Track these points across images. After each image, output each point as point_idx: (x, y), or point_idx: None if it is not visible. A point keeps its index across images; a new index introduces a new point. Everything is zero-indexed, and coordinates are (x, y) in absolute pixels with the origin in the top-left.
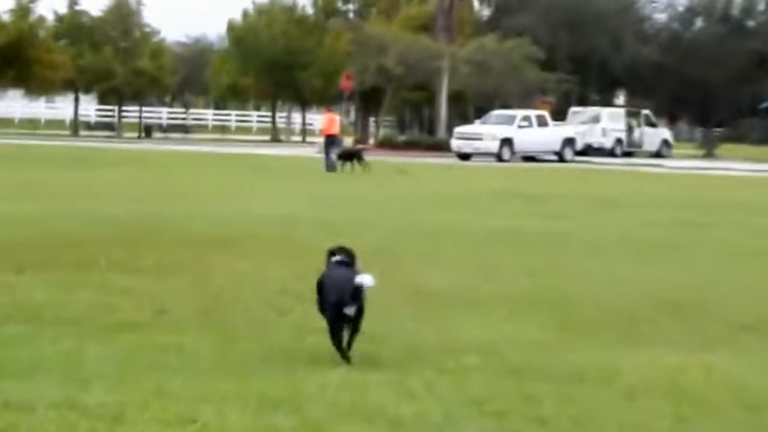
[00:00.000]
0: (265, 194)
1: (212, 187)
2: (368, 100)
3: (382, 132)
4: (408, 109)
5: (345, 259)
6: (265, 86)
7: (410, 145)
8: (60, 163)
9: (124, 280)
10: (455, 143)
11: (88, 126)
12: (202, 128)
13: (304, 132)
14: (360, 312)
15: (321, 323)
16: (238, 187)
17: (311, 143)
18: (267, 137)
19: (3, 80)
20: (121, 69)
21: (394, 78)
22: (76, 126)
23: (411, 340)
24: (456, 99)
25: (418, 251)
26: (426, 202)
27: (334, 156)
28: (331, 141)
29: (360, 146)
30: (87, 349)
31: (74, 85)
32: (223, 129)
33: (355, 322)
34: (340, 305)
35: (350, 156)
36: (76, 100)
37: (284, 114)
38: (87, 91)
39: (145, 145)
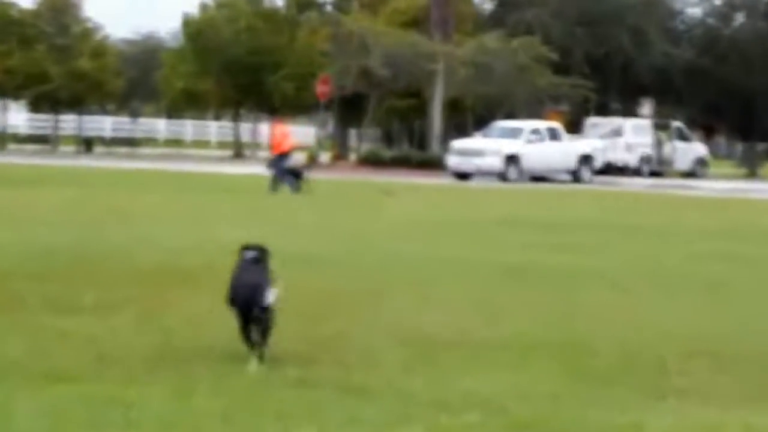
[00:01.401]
0: (226, 220)
1: (164, 211)
2: (349, 109)
3: (364, 146)
4: (395, 119)
5: (257, 256)
6: (227, 92)
7: (398, 162)
8: None
9: (58, 322)
10: (452, 160)
11: (17, 138)
12: (153, 141)
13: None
14: (267, 315)
15: (294, 374)
16: (194, 212)
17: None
18: (229, 152)
19: None
20: (57, 71)
21: (380, 82)
22: (3, 138)
23: (400, 393)
24: (452, 108)
25: (409, 289)
26: (416, 230)
27: (285, 174)
28: (282, 159)
29: (303, 165)
30: (15, 403)
31: (0, 90)
32: (177, 142)
33: (264, 323)
34: (246, 311)
35: (293, 173)
36: (3, 107)
37: (249, 125)
38: (16, 97)
39: (85, 161)
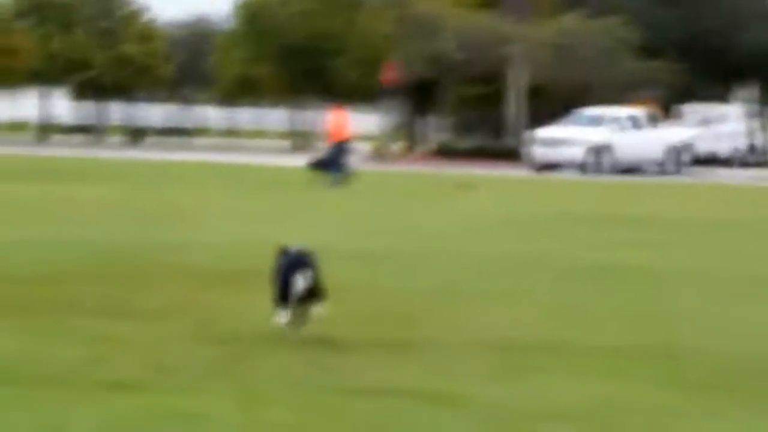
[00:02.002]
0: (289, 218)
1: (220, 207)
2: (419, 97)
3: (436, 136)
4: (470, 107)
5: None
6: (285, 78)
7: (474, 153)
8: (22, 178)
9: (114, 327)
10: (533, 151)
11: (60, 129)
12: (205, 131)
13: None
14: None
15: (372, 382)
16: (252, 208)
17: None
18: (287, 143)
19: None
20: (101, 56)
21: (452, 68)
22: (44, 129)
23: (486, 402)
24: (532, 94)
25: (489, 291)
26: (496, 227)
27: (346, 165)
28: (343, 148)
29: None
30: (73, 414)
31: (41, 77)
32: (231, 132)
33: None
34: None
35: (321, 166)
36: (44, 96)
37: (309, 114)
38: (58, 84)
39: (134, 153)
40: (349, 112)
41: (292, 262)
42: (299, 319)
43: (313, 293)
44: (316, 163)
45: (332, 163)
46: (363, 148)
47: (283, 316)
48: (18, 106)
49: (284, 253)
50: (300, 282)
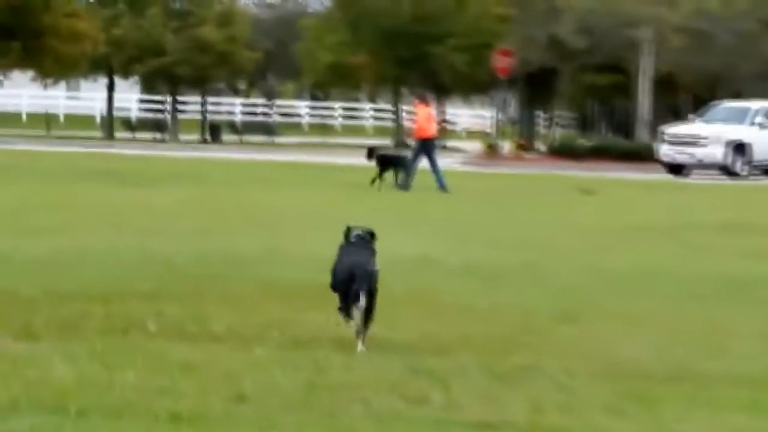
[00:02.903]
0: (387, 225)
1: (307, 214)
2: (535, 88)
3: (556, 133)
4: (593, 100)
5: (364, 235)
6: (385, 67)
7: (597, 153)
8: (85, 179)
9: (183, 351)
10: (664, 150)
11: (128, 124)
12: (294, 128)
13: (443, 133)
14: (371, 297)
15: (475, 416)
16: (342, 215)
17: (450, 149)
18: (388, 140)
19: (3, 58)
20: (175, 42)
21: (573, 55)
22: (111, 124)
23: None
24: (664, 85)
25: (611, 308)
26: (619, 237)
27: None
28: (428, 145)
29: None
30: None
31: (107, 65)
32: (324, 129)
33: (367, 310)
34: (349, 291)
35: (389, 162)
36: (111, 86)
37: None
38: (126, 74)
39: (211, 153)
40: (423, 106)
41: (353, 269)
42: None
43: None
44: (383, 157)
45: (411, 162)
46: (472, 146)
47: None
48: (82, 98)
49: (347, 236)
50: (362, 301)
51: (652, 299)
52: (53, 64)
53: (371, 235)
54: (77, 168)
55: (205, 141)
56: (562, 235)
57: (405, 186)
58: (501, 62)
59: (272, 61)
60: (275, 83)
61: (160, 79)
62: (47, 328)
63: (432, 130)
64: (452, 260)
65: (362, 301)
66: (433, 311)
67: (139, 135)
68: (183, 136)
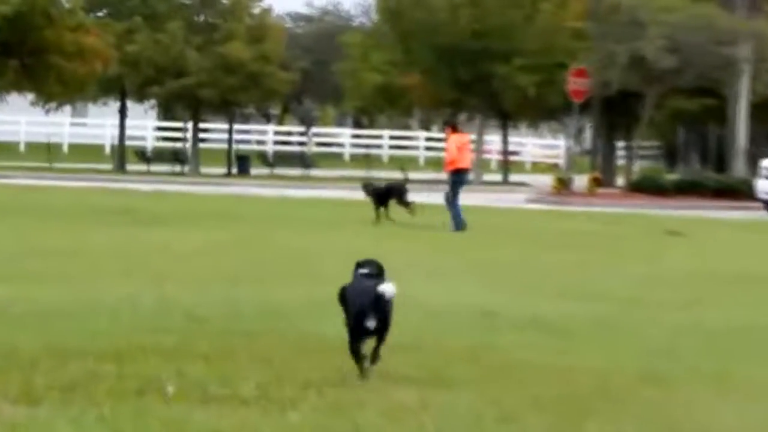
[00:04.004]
0: (440, 271)
1: (353, 260)
2: (614, 114)
3: (638, 166)
4: (682, 128)
5: (372, 271)
6: (440, 90)
7: (686, 188)
8: (93, 218)
9: (206, 417)
10: (763, 185)
11: (143, 156)
12: (334, 159)
13: (506, 166)
14: (384, 323)
15: None
16: (395, 260)
17: (514, 184)
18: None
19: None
20: (199, 60)
21: (659, 76)
22: (122, 155)
23: None
24: (764, 111)
25: (702, 370)
26: (714, 286)
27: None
28: (460, 178)
29: (398, 181)
30: None
31: (119, 87)
32: (368, 161)
33: (379, 334)
34: (360, 316)
35: (386, 196)
36: (123, 112)
37: (472, 136)
38: (140, 97)
39: (239, 188)
40: (456, 135)
41: (364, 301)
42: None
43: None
44: (375, 192)
45: (452, 199)
46: (539, 180)
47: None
48: (90, 125)
49: (356, 273)
50: (371, 323)
51: (749, 360)
52: (56, 86)
53: (380, 270)
54: (84, 205)
55: (231, 174)
56: (644, 284)
57: (458, 227)
58: (575, 84)
59: (310, 83)
60: (313, 108)
61: (181, 103)
62: (50, 390)
63: (466, 161)
64: (517, 312)
65: (370, 323)
66: (496, 371)
67: (155, 167)
68: (205, 169)
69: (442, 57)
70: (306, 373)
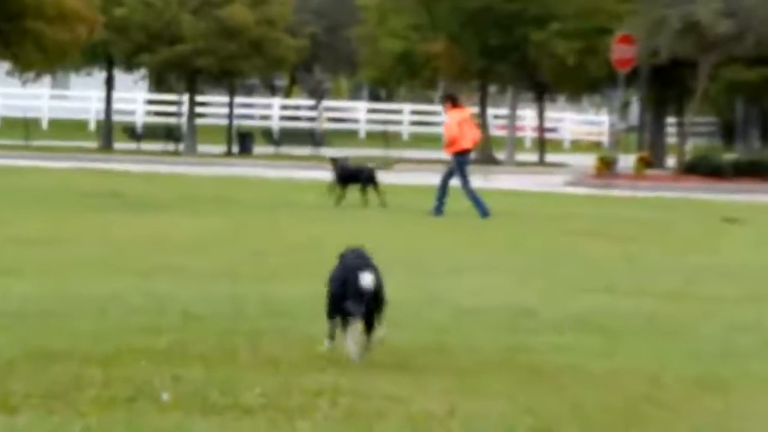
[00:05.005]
0: (468, 264)
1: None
2: (664, 86)
3: (691, 144)
4: (741, 102)
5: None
6: (468, 58)
7: (745, 170)
8: (77, 203)
9: (206, 428)
10: None
11: (132, 132)
12: (348, 137)
13: (543, 144)
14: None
15: None
16: (416, 252)
17: (552, 165)
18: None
19: None
20: (195, 24)
21: (715, 43)
22: (109, 132)
23: None
24: None
25: (765, 374)
26: None
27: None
28: (465, 159)
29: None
30: None
31: (105, 55)
32: (386, 138)
33: (368, 314)
34: (336, 298)
35: (352, 178)
36: (110, 83)
37: (500, 110)
38: (129, 66)
39: (240, 169)
40: (457, 110)
41: (353, 264)
42: (362, 343)
43: (378, 304)
44: (341, 169)
45: (464, 185)
46: (580, 161)
47: (328, 342)
48: (72, 98)
49: (342, 257)
50: (367, 278)
51: None
52: (35, 53)
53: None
54: (66, 189)
55: (231, 154)
56: (699, 278)
57: (484, 213)
58: (620, 52)
59: (320, 50)
60: (324, 79)
61: (175, 73)
62: (29, 397)
63: (469, 140)
64: (555, 311)
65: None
66: (534, 376)
67: (146, 146)
68: (203, 148)
69: (470, 21)
70: (316, 379)
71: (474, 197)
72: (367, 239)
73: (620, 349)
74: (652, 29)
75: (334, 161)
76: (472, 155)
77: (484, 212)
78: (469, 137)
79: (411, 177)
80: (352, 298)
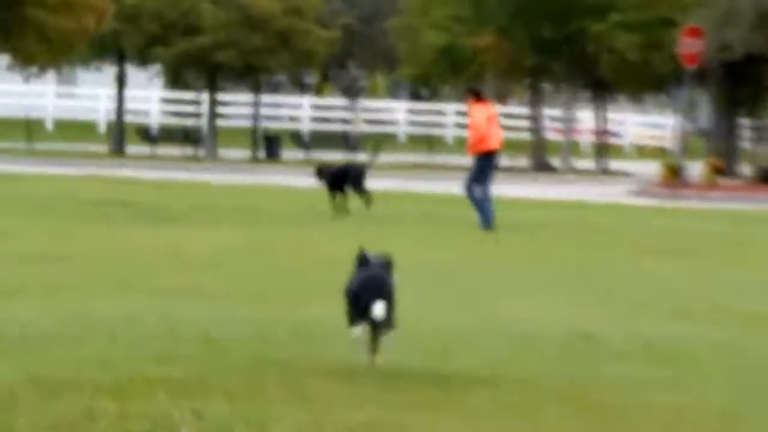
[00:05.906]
0: (522, 285)
1: (408, 271)
2: (738, 85)
3: (765, 149)
4: None
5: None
6: (519, 53)
7: None
8: (85, 215)
9: None
10: None
11: (146, 135)
12: (386, 140)
13: (602, 150)
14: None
15: None
16: (458, 270)
17: (614, 173)
18: (524, 161)
19: None
20: (216, 14)
21: None
22: (121, 134)
23: None
24: None
25: None
26: None
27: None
28: (490, 163)
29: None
30: None
31: (116, 48)
32: (429, 142)
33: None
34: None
35: (340, 181)
36: (121, 79)
37: (554, 112)
38: (143, 60)
39: (266, 176)
40: (480, 105)
41: (370, 285)
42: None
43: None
44: (327, 175)
45: (475, 185)
46: (645, 168)
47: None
48: (80, 96)
49: (361, 263)
50: (379, 310)
51: None
52: (37, 45)
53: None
54: (73, 198)
55: (256, 159)
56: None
57: (487, 224)
58: (688, 47)
59: (355, 44)
60: (359, 76)
61: (193, 68)
62: (34, 431)
63: (496, 140)
64: (620, 337)
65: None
66: (596, 410)
67: (162, 150)
68: (224, 152)
69: (520, 11)
70: (352, 414)
71: (482, 206)
72: (409, 256)
73: (692, 380)
74: (723, 21)
75: (319, 170)
76: (497, 159)
77: (486, 223)
78: (496, 137)
79: (456, 186)
80: (360, 317)
